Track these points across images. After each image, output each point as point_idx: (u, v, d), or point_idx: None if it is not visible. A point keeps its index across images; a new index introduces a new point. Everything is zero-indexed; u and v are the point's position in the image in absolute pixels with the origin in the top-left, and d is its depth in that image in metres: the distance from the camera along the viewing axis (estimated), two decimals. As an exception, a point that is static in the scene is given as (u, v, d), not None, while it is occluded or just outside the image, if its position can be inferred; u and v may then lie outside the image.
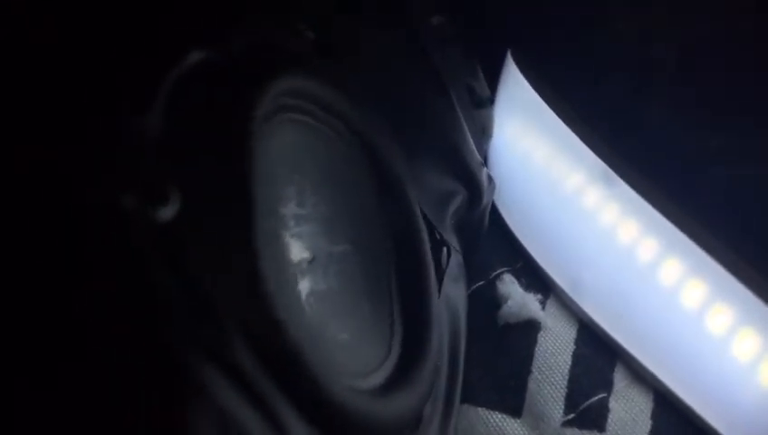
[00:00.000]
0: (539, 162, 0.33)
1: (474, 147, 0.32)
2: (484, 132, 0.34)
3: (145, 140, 0.20)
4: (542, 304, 0.33)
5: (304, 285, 0.23)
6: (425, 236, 0.27)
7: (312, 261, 0.24)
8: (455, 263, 0.30)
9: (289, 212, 0.23)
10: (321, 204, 0.24)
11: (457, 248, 0.30)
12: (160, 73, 0.20)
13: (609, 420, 0.30)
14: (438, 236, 0.28)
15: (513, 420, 0.31)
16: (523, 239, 0.34)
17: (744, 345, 0.27)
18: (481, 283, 0.34)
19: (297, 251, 0.23)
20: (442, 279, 0.28)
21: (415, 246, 0.27)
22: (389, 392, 0.24)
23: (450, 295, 0.29)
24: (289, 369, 0.20)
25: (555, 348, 0.32)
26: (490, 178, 0.33)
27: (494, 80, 0.35)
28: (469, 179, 0.31)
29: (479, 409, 0.31)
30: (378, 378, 0.24)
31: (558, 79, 0.32)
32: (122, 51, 0.21)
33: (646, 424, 0.30)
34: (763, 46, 0.28)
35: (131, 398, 0.18)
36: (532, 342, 0.32)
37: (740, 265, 0.27)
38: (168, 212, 0.19)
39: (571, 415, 0.31)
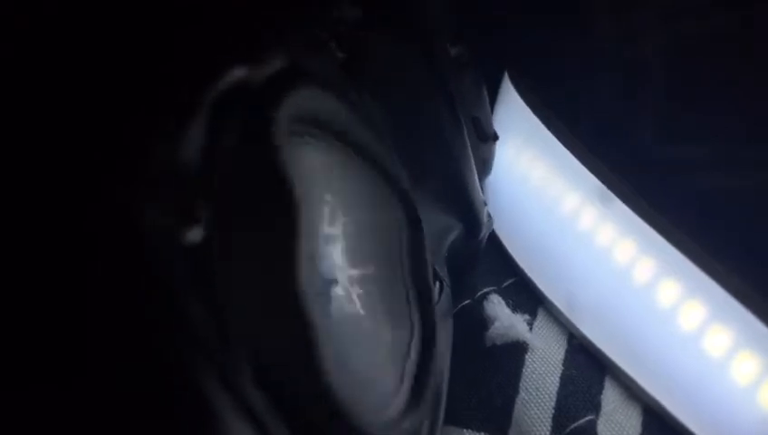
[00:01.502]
0: (535, 182, 0.33)
1: (478, 183, 0.31)
2: (483, 167, 0.34)
3: (178, 159, 0.19)
4: (530, 324, 0.33)
5: (332, 309, 0.22)
6: (429, 266, 0.27)
7: (336, 284, 0.23)
8: (445, 299, 0.29)
9: (323, 231, 0.23)
10: (351, 224, 0.24)
11: (449, 283, 0.30)
12: (198, 92, 0.20)
13: (598, 444, 0.30)
14: (433, 269, 0.28)
15: (499, 442, 0.30)
16: (518, 258, 0.34)
17: (744, 368, 0.27)
18: (467, 302, 0.33)
19: (325, 272, 0.23)
20: (433, 314, 0.28)
21: (423, 276, 0.26)
22: (403, 424, 0.23)
23: (439, 332, 0.29)
24: (320, 413, 0.19)
25: (543, 369, 0.32)
26: (489, 216, 0.33)
27: (491, 100, 0.35)
28: (470, 214, 0.31)
29: (464, 430, 0.31)
30: (394, 409, 0.23)
31: (555, 99, 0.32)
32: (162, 68, 0.20)
33: (634, 449, 0.30)
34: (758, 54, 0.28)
35: (145, 424, 0.17)
36: (519, 363, 0.32)
37: (739, 287, 0.26)
38: (196, 234, 0.18)
39: (558, 437, 0.30)
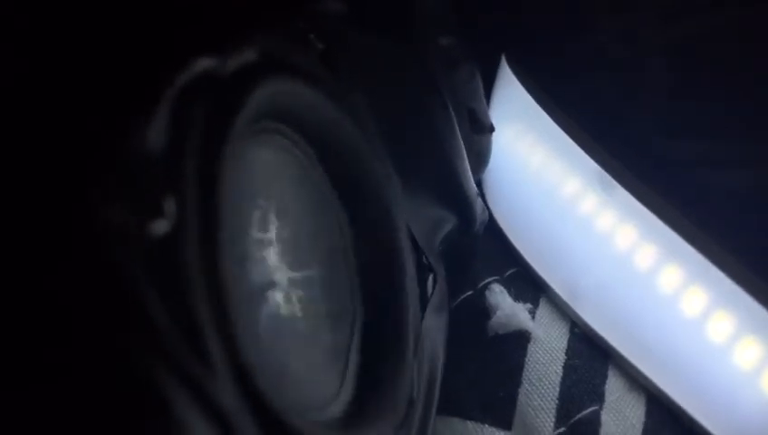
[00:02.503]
0: (535, 167, 0.32)
1: (470, 175, 0.31)
2: (480, 159, 0.34)
3: (142, 151, 0.18)
4: (532, 314, 0.33)
5: (265, 311, 0.22)
6: (408, 264, 0.26)
7: (273, 286, 0.23)
8: (438, 292, 0.29)
9: (253, 236, 0.23)
10: (285, 228, 0.24)
11: (443, 275, 0.30)
12: (163, 82, 0.19)
13: (602, 434, 0.29)
14: (426, 262, 0.28)
15: (503, 434, 0.30)
16: (518, 246, 0.33)
17: (747, 354, 0.26)
18: (469, 293, 0.33)
19: (258, 276, 0.22)
20: (425, 307, 0.28)
21: (392, 276, 0.26)
22: (351, 425, 0.23)
23: (431, 326, 0.28)
24: (249, 400, 0.19)
25: (546, 359, 0.31)
26: (483, 208, 0.32)
27: (489, 85, 0.34)
28: (463, 207, 0.31)
29: (468, 422, 0.31)
30: (333, 410, 0.23)
31: (553, 83, 0.32)
32: (126, 57, 0.20)
33: (638, 438, 0.29)
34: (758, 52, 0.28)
35: (110, 422, 0.17)
36: (521, 353, 0.32)
37: (742, 272, 0.26)
38: (161, 227, 0.18)
39: (563, 428, 0.30)
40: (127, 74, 0.19)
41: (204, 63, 0.20)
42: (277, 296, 0.23)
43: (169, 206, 0.18)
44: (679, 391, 0.29)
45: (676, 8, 0.30)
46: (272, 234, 0.23)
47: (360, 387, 0.24)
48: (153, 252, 0.18)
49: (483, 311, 0.32)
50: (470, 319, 0.32)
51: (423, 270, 0.28)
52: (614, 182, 0.29)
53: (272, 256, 0.23)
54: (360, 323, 0.25)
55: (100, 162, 0.18)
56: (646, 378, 0.30)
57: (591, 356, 0.31)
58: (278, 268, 0.23)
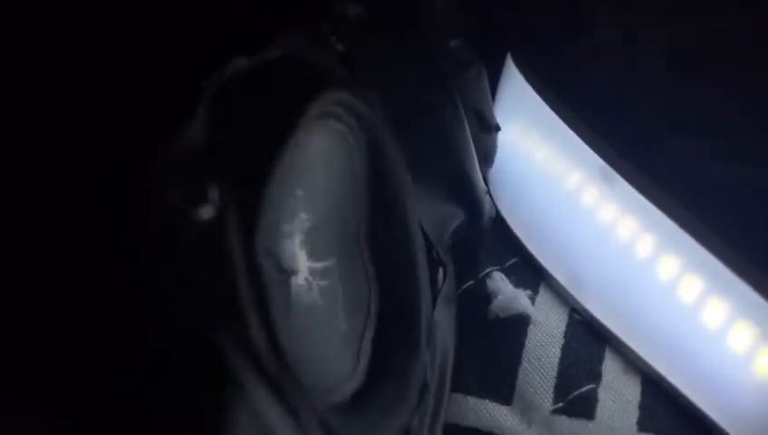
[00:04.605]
0: (539, 161, 0.33)
1: (479, 171, 0.32)
2: (486, 158, 0.35)
3: (189, 143, 0.20)
4: (532, 299, 0.34)
5: (289, 298, 0.24)
6: (420, 256, 0.28)
7: (295, 275, 0.24)
8: (448, 284, 0.30)
9: (282, 226, 0.24)
10: (310, 219, 0.25)
11: (452, 269, 0.31)
12: (204, 79, 0.21)
13: (598, 410, 0.31)
14: (436, 256, 0.29)
15: (502, 408, 0.32)
16: (521, 236, 0.35)
17: (740, 337, 0.28)
18: (471, 282, 0.35)
19: (283, 264, 0.24)
20: (436, 298, 0.29)
21: (406, 267, 0.27)
22: (360, 408, 0.24)
23: (441, 316, 0.30)
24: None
25: (545, 341, 0.33)
26: (491, 203, 0.34)
27: (494, 81, 0.35)
28: (472, 202, 0.32)
29: (469, 397, 0.32)
30: (344, 393, 0.25)
31: (558, 79, 0.33)
32: (169, 56, 0.22)
33: (634, 414, 0.31)
34: (757, 51, 0.29)
35: (172, 394, 0.19)
36: (521, 334, 0.33)
37: (736, 260, 0.27)
38: (206, 212, 0.20)
39: (560, 404, 0.31)
40: (175, 74, 0.21)
41: (238, 63, 0.22)
42: (299, 284, 0.24)
43: (213, 193, 0.20)
44: (675, 373, 0.30)
45: (676, 7, 0.31)
46: (298, 224, 0.25)
47: (371, 373, 0.26)
48: (201, 235, 0.19)
49: (484, 297, 0.34)
50: (471, 304, 0.34)
51: (433, 263, 0.29)
52: (615, 175, 0.31)
53: (295, 245, 0.24)
54: (375, 312, 0.27)
55: (158, 152, 0.20)
56: (643, 361, 0.31)
57: (589, 340, 0.33)
58: (300, 257, 0.24)
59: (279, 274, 0.23)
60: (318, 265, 0.25)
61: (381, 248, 0.27)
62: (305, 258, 0.25)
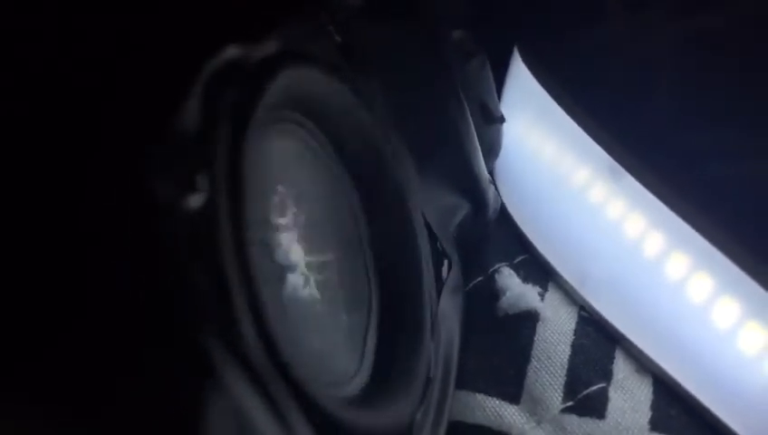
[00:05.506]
0: (546, 157, 0.33)
1: (483, 162, 0.32)
2: (491, 150, 0.34)
3: (178, 130, 0.20)
4: (541, 296, 0.34)
5: (285, 292, 0.24)
6: (423, 248, 0.28)
7: (291, 269, 0.24)
8: (453, 276, 0.30)
9: (272, 220, 0.24)
10: (302, 214, 0.25)
11: (458, 260, 0.31)
12: (196, 67, 0.21)
13: (609, 409, 0.31)
14: (440, 248, 0.29)
15: (510, 406, 0.31)
16: (529, 233, 0.34)
17: (751, 339, 0.27)
18: (480, 278, 0.34)
19: (278, 259, 0.24)
20: (441, 291, 0.29)
21: (408, 261, 0.27)
22: (369, 402, 0.24)
23: (447, 308, 0.30)
24: (275, 368, 0.20)
25: (554, 338, 0.33)
26: (495, 195, 0.33)
27: (501, 75, 0.35)
28: (476, 194, 0.32)
29: (477, 394, 0.32)
30: (353, 388, 0.24)
31: (565, 74, 0.33)
32: (160, 44, 0.21)
33: (646, 414, 0.31)
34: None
35: (154, 384, 0.18)
36: (530, 331, 0.33)
37: (747, 259, 0.27)
38: (196, 201, 0.19)
39: (570, 402, 0.31)
40: (166, 62, 0.21)
41: (231, 53, 0.21)
42: (296, 279, 0.24)
43: (202, 181, 0.19)
44: (685, 374, 0.30)
45: (688, 3, 0.30)
46: (289, 219, 0.24)
47: (378, 367, 0.26)
48: (190, 223, 0.19)
49: (493, 293, 0.34)
50: (480, 301, 0.33)
51: (438, 255, 0.29)
52: (623, 171, 0.30)
53: (290, 240, 0.24)
54: (378, 306, 0.27)
55: (145, 139, 0.20)
56: (652, 362, 0.31)
57: (600, 338, 0.32)
58: (296, 252, 0.24)
59: (273, 266, 0.23)
60: (315, 259, 0.25)
61: (383, 244, 0.27)
62: (303, 253, 0.25)
